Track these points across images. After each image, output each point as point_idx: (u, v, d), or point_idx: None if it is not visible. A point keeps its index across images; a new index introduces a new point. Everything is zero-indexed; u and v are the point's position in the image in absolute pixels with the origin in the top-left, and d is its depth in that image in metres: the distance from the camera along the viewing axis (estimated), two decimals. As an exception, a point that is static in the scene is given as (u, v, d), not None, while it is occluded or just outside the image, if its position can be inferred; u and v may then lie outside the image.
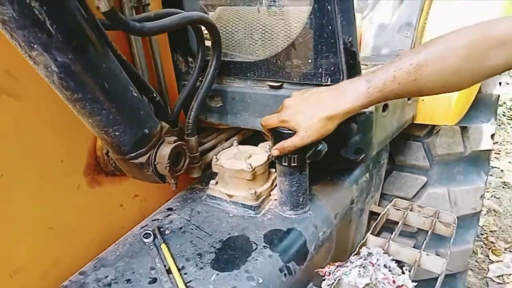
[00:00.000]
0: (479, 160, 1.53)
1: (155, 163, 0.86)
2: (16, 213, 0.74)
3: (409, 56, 0.66)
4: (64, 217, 0.83)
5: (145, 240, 0.87)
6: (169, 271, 0.78)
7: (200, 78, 1.03)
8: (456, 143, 1.46)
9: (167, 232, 0.91)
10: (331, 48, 0.93)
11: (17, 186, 0.74)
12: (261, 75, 1.05)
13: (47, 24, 0.56)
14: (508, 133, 4.13)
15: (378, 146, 1.14)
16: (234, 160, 1.00)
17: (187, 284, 0.75)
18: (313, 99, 0.81)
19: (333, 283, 0.88)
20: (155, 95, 0.92)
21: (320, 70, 0.97)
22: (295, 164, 0.88)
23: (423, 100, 1.40)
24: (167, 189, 1.06)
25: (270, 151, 1.03)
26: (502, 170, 3.39)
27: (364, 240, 1.05)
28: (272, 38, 0.98)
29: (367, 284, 0.85)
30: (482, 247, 2.62)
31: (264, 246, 0.86)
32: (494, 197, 3.08)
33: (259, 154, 1.03)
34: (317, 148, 0.89)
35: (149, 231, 0.89)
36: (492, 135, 1.47)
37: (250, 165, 0.94)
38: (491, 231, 2.74)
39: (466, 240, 1.59)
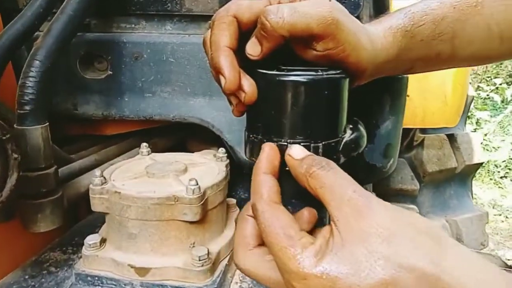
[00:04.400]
0: (466, 178, 1.18)
1: None
2: None
3: None
4: None
5: None
6: None
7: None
8: (447, 156, 1.09)
9: None
10: None
11: None
12: (195, 9, 0.52)
13: None
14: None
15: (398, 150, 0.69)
16: (149, 180, 0.41)
17: None
18: None
19: None
20: None
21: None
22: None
23: (408, 96, 1.01)
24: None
25: (224, 157, 0.48)
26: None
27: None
28: None
29: None
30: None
31: None
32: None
33: (204, 164, 0.47)
34: (353, 134, 0.38)
35: None
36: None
37: (196, 182, 0.38)
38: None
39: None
